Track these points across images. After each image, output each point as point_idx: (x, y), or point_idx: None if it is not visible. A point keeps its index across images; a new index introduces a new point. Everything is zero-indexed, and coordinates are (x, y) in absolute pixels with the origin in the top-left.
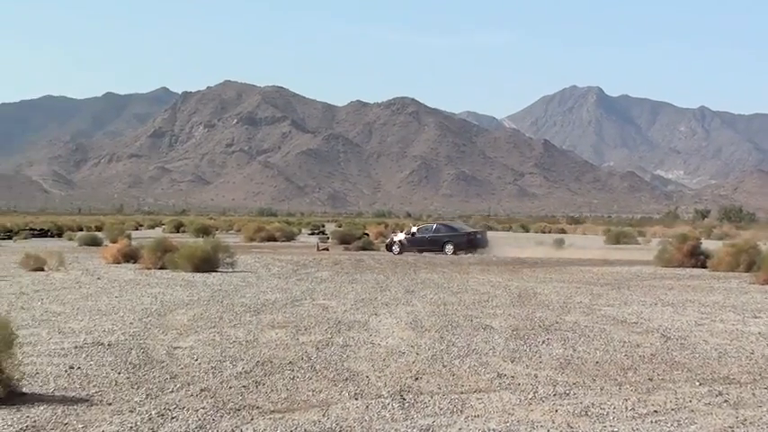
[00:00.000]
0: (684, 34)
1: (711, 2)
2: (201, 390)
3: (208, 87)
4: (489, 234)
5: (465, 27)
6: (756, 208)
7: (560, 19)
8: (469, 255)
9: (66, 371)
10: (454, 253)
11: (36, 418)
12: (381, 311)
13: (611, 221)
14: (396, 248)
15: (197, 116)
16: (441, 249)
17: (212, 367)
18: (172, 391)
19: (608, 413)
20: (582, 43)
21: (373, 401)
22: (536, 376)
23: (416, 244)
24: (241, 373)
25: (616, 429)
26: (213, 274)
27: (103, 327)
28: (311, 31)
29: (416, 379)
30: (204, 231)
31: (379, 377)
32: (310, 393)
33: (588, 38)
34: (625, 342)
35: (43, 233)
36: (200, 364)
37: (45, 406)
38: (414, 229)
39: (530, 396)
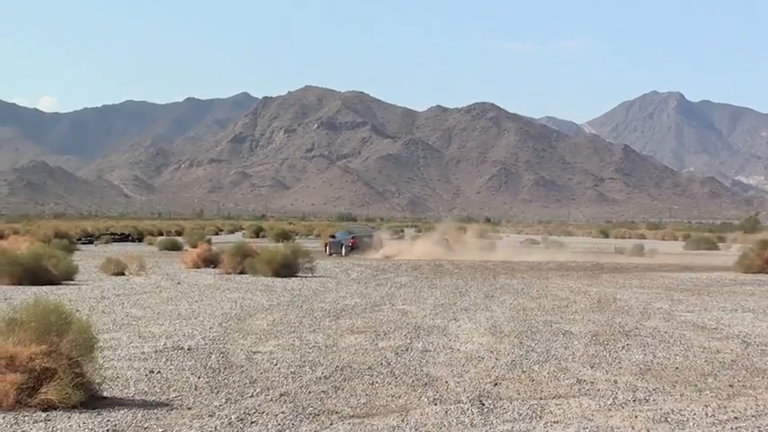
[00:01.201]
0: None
1: None
2: (281, 394)
3: (288, 92)
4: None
5: (544, 32)
6: None
7: (640, 23)
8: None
9: (146, 375)
10: (345, 254)
11: (117, 422)
12: (460, 316)
13: (691, 227)
14: (343, 250)
15: (277, 121)
16: (339, 251)
17: (291, 372)
18: (251, 396)
19: (688, 419)
20: (662, 48)
21: (452, 407)
22: (616, 382)
23: (333, 247)
24: (320, 377)
25: None
26: (293, 278)
27: (183, 331)
28: (391, 36)
29: (495, 384)
30: (284, 236)
31: (458, 382)
32: (389, 398)
33: (669, 42)
34: (705, 348)
35: (124, 237)
36: (279, 368)
37: (125, 410)
38: (336, 234)
39: (609, 402)
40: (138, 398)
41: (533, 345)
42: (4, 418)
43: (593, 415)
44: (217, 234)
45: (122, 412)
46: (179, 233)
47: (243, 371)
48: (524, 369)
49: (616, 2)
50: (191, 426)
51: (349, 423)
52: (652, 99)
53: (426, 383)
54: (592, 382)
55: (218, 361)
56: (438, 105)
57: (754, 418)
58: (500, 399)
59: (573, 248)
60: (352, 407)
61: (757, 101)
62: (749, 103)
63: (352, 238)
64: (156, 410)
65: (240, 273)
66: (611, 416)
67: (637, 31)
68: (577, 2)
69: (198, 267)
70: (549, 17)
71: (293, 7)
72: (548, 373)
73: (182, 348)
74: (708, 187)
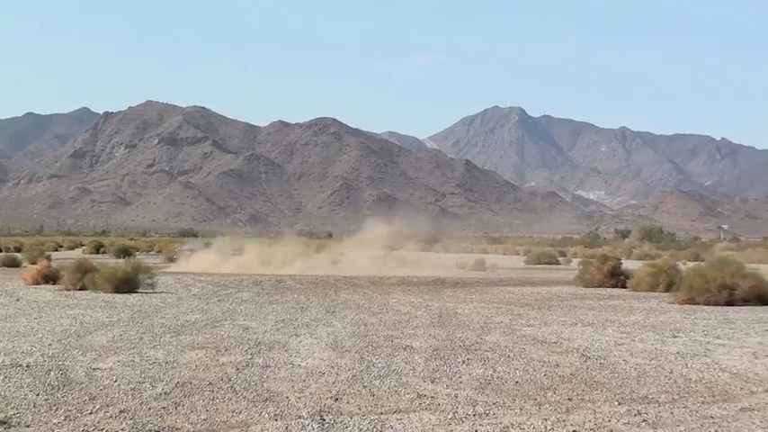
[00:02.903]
0: (604, 55)
1: (629, 24)
2: (120, 411)
3: (129, 107)
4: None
5: (387, 49)
6: (676, 228)
7: (482, 40)
8: None
9: None
10: None
11: None
12: (302, 332)
13: (533, 241)
14: None
15: (118, 136)
16: None
17: (132, 388)
18: (91, 413)
19: None
20: (504, 64)
21: (293, 422)
22: (456, 396)
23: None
24: (160, 394)
25: None
26: (133, 294)
27: (22, 348)
28: (233, 51)
29: (336, 399)
30: (125, 252)
31: (299, 398)
32: (230, 414)
33: (510, 58)
34: (545, 362)
35: None
36: (119, 385)
37: None
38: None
39: (449, 416)
40: None
41: (374, 360)
42: None
43: (433, 429)
44: (56, 250)
45: None
46: (18, 249)
47: (82, 387)
48: (365, 384)
49: (459, 19)
50: None
51: None
52: (493, 114)
53: (267, 399)
54: (432, 397)
55: (57, 378)
56: (280, 120)
57: (592, 431)
58: (341, 414)
59: (418, 264)
60: (192, 423)
61: (597, 116)
62: (589, 119)
63: None
64: None
65: (80, 289)
66: (452, 430)
67: (478, 47)
68: (422, 18)
69: (37, 284)
70: (389, 34)
71: (133, 21)
72: (388, 388)
73: (20, 365)
74: (549, 202)
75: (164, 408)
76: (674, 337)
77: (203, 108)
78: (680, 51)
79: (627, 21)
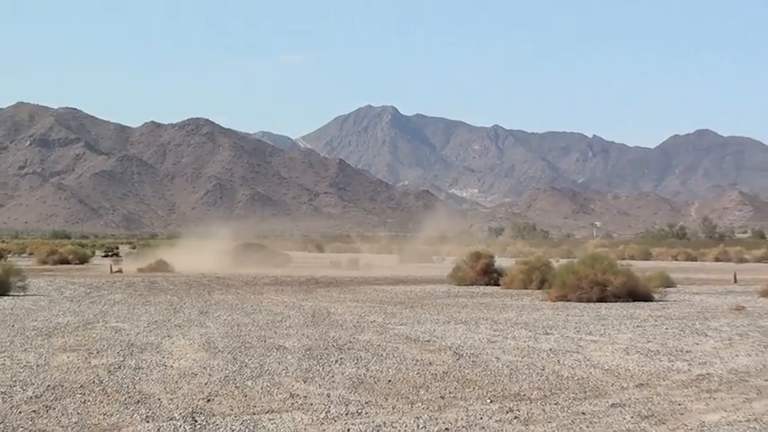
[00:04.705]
0: (475, 53)
1: (499, 23)
2: None
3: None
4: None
5: (260, 48)
6: (549, 225)
7: (354, 38)
8: None
9: None
10: None
11: None
12: (174, 333)
13: (407, 240)
14: None
15: None
16: None
17: (2, 392)
18: None
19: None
20: (377, 62)
21: (165, 424)
22: (329, 396)
23: None
24: (31, 397)
25: None
26: (4, 297)
27: None
28: (103, 50)
29: (209, 401)
30: None
31: (171, 399)
32: (101, 417)
33: (383, 57)
34: (418, 360)
35: None
36: None
37: None
38: None
39: (322, 416)
40: None
41: (247, 360)
42: None
43: (305, 429)
44: None
45: None
46: None
47: None
48: (238, 384)
49: (330, 18)
50: None
51: None
52: (366, 113)
53: (139, 401)
54: (305, 397)
55: None
56: (152, 121)
57: (464, 429)
58: (213, 415)
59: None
60: (63, 426)
61: (470, 115)
62: (462, 117)
63: None
64: None
65: None
66: (324, 429)
67: (351, 46)
68: (296, 17)
69: None
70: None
71: (2, 23)
72: (261, 388)
73: None
74: (422, 200)
75: (35, 411)
76: (547, 334)
77: (75, 109)
78: (552, 50)
79: (497, 20)
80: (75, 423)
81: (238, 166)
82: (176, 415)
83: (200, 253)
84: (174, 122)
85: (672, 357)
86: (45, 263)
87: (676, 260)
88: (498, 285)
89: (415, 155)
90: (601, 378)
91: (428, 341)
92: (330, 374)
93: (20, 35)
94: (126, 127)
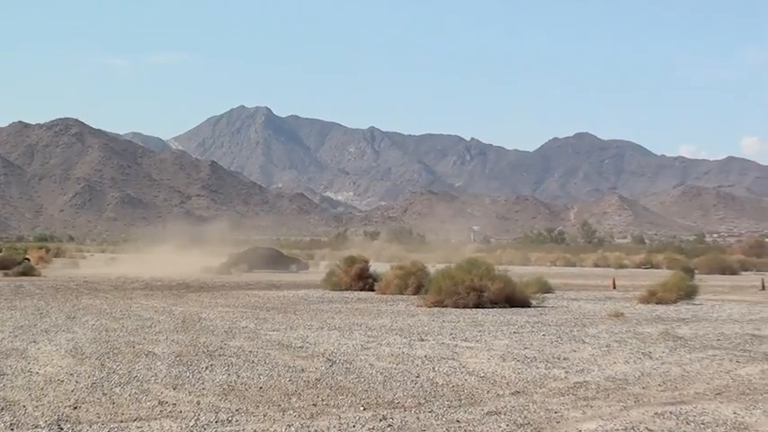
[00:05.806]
0: (352, 55)
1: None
2: None
3: None
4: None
5: (132, 47)
6: (426, 229)
7: (226, 38)
8: None
9: None
10: None
11: None
12: (40, 339)
13: (280, 244)
14: None
15: None
16: None
17: None
18: None
19: None
20: (250, 62)
21: None
22: (198, 403)
23: None
24: None
25: None
26: None
27: None
28: None
29: (75, 408)
30: None
31: (37, 407)
32: None
33: (256, 57)
34: (290, 367)
35: None
36: None
37: None
38: None
39: (191, 423)
40: None
41: (115, 366)
42: None
43: None
44: None
45: None
46: None
47: None
48: (105, 391)
49: (201, 17)
50: None
51: None
52: (239, 114)
53: (3, 408)
54: (174, 404)
55: None
56: (20, 121)
57: None
58: (79, 422)
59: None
60: None
61: (345, 116)
62: (337, 119)
63: None
64: None
65: None
66: None
67: (222, 46)
68: (168, 16)
69: None
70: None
71: None
72: (129, 395)
73: None
74: (296, 203)
75: None
76: (422, 340)
77: None
78: (429, 52)
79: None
80: None
81: (108, 167)
82: (42, 423)
83: (183, 257)
84: (42, 122)
85: (549, 364)
86: None
87: (555, 265)
88: (373, 291)
89: (290, 157)
90: (476, 385)
91: (301, 347)
92: (200, 381)
93: None
94: None
